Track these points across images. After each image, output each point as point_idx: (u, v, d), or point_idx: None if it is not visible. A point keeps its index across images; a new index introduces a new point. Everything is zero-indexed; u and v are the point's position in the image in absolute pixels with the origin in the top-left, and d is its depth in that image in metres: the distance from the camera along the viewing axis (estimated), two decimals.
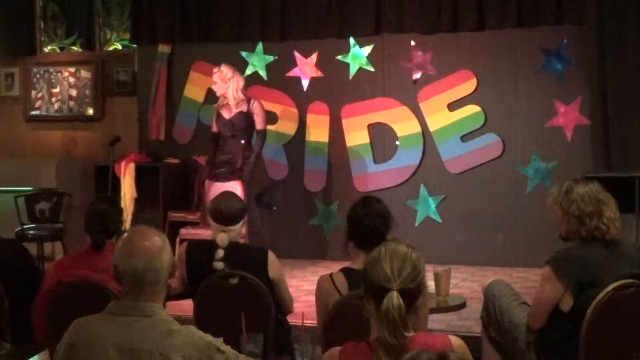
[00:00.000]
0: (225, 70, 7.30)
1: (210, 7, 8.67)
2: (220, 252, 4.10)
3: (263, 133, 7.34)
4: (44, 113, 9.59)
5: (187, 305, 4.26)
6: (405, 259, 2.42)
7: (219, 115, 7.33)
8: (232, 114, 7.25)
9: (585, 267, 3.71)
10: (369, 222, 3.70)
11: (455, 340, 2.46)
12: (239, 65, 8.55)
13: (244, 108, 7.24)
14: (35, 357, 4.22)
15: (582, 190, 3.82)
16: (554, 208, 3.88)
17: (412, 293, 2.39)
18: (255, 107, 7.28)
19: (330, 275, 3.70)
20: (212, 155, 7.34)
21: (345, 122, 8.37)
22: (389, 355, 2.35)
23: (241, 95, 7.29)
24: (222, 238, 4.13)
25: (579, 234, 3.79)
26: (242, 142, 7.24)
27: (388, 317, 2.33)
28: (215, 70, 7.37)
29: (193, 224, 7.80)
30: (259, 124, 7.28)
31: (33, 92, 9.61)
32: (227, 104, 7.29)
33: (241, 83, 7.32)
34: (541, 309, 3.82)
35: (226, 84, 7.27)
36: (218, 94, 7.39)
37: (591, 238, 3.76)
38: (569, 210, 3.80)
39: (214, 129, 7.40)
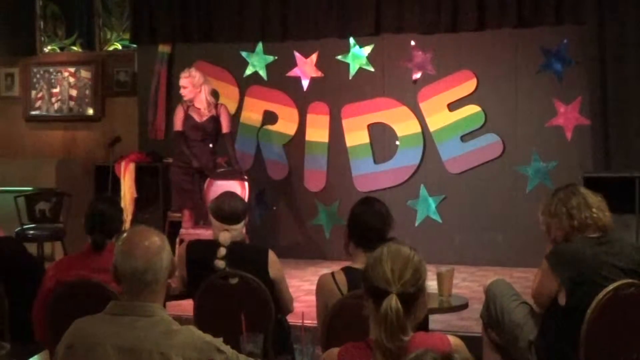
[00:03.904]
0: (197, 75, 7.33)
1: (210, 7, 8.66)
2: (223, 251, 4.12)
3: (230, 135, 7.45)
4: (44, 113, 9.59)
5: (187, 305, 4.26)
6: (407, 262, 2.39)
7: (188, 117, 7.32)
8: (205, 118, 7.32)
9: (578, 265, 3.74)
10: (367, 219, 3.75)
11: (454, 340, 2.46)
12: (239, 65, 8.58)
13: (213, 112, 7.34)
14: (35, 357, 4.21)
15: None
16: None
17: (412, 297, 2.37)
18: (222, 110, 7.41)
19: (332, 274, 3.72)
20: (189, 154, 7.27)
21: (345, 122, 8.37)
22: (387, 357, 2.34)
23: (212, 99, 7.36)
24: (225, 237, 4.14)
25: (549, 230, 3.94)
26: (211, 145, 7.36)
27: (386, 321, 2.31)
28: (185, 74, 7.35)
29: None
30: (225, 127, 7.38)
31: (33, 92, 9.61)
32: (194, 106, 7.31)
33: (210, 87, 7.43)
34: (542, 298, 3.91)
35: (198, 89, 7.31)
36: (186, 98, 7.35)
37: (564, 235, 3.87)
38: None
39: (179, 127, 7.35)
